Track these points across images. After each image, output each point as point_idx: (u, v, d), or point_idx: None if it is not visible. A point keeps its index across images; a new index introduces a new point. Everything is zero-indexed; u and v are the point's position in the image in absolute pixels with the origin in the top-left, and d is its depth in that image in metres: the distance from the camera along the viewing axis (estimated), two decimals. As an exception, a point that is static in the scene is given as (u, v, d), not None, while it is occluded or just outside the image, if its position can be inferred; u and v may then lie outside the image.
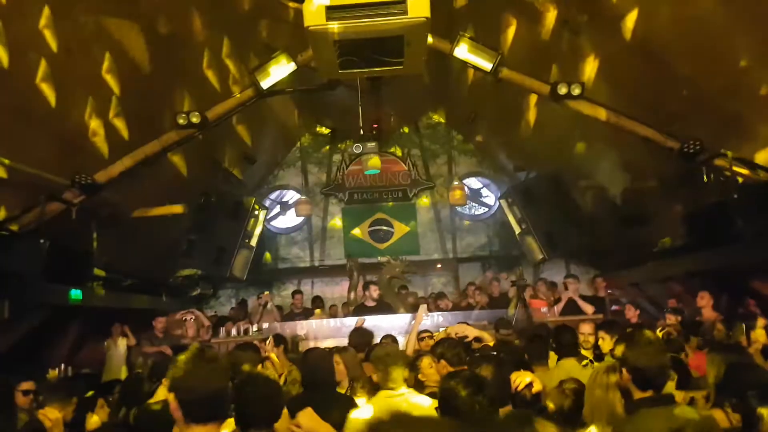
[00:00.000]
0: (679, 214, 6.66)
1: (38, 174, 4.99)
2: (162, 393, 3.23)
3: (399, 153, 11.28)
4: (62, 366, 6.41)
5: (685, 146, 5.38)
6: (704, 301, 5.94)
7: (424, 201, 11.29)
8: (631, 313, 6.89)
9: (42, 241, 4.97)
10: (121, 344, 7.27)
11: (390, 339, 4.62)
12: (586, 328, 4.52)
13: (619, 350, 2.31)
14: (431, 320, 6.91)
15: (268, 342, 4.76)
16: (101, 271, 7.05)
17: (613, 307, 8.21)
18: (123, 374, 6.75)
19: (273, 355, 4.29)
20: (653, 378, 2.20)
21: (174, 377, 1.77)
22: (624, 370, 2.25)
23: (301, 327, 7.30)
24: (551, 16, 6.03)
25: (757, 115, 4.97)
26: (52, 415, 3.00)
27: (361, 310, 7.12)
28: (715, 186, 5.40)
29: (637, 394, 2.21)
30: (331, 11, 3.57)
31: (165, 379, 2.91)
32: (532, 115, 7.84)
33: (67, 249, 5.33)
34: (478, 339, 4.12)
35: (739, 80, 4.78)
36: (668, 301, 7.09)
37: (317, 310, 8.31)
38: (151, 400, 3.16)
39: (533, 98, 7.40)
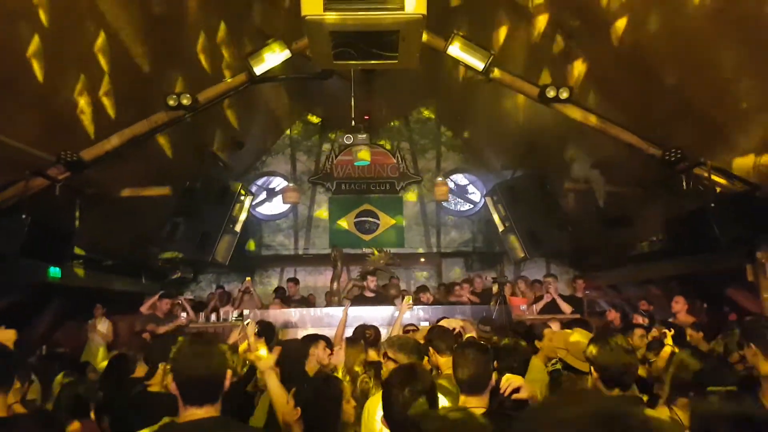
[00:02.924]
0: (659, 219, 6.82)
1: (23, 149, 4.92)
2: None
3: (388, 146, 11.33)
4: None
5: (667, 154, 5.51)
6: (679, 305, 6.09)
7: (411, 195, 11.36)
8: (613, 316, 7.04)
9: (24, 217, 4.91)
10: (102, 326, 7.22)
11: (373, 330, 4.67)
12: (554, 327, 4.63)
13: (590, 350, 2.40)
14: (412, 314, 7.00)
15: (249, 327, 4.74)
16: (82, 251, 6.99)
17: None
18: (101, 356, 6.71)
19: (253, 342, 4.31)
20: (617, 377, 2.28)
21: (173, 359, 1.80)
22: (592, 369, 2.34)
23: (284, 315, 7.32)
24: (543, 19, 6.09)
25: (738, 125, 5.11)
26: None
27: (360, 300, 7.14)
28: (694, 193, 5.54)
29: (604, 393, 2.28)
30: (329, 2, 3.58)
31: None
32: (520, 115, 7.92)
33: (48, 226, 5.26)
34: (463, 329, 4.22)
35: (722, 91, 4.90)
36: (639, 303, 7.27)
37: (277, 300, 8.25)
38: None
39: (522, 98, 7.48)
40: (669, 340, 3.95)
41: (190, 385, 1.76)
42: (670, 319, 5.91)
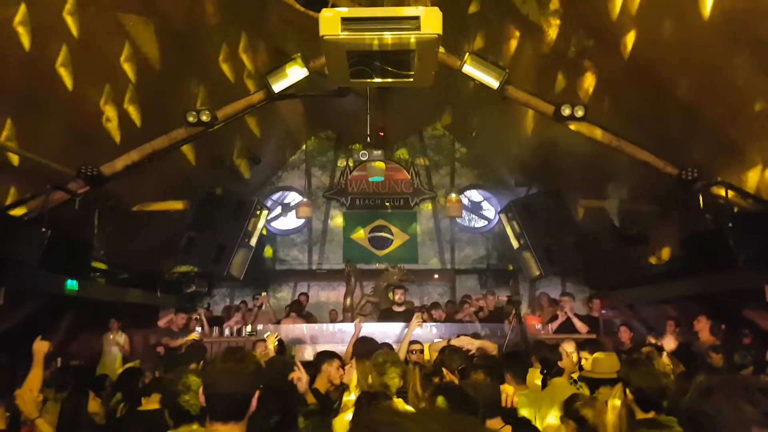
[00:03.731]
0: (676, 237, 6.72)
1: (44, 163, 5.04)
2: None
3: (403, 162, 11.37)
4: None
5: (683, 173, 5.45)
6: (701, 324, 5.96)
7: (425, 210, 11.35)
8: (625, 336, 6.91)
9: (44, 230, 5.00)
10: (119, 337, 7.27)
11: (386, 348, 4.63)
12: (568, 347, 4.52)
13: (623, 371, 2.38)
14: (425, 331, 6.94)
15: (270, 341, 4.76)
16: (99, 263, 7.09)
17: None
18: (116, 368, 6.75)
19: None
20: (653, 399, 2.24)
21: (205, 372, 1.86)
22: (627, 391, 2.32)
23: (296, 330, 7.33)
24: (556, 35, 6.12)
25: (753, 142, 5.04)
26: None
27: (388, 315, 7.09)
28: (710, 212, 5.47)
29: (639, 415, 2.25)
30: (346, 22, 3.64)
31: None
32: (534, 131, 7.91)
33: (67, 239, 5.36)
34: (480, 349, 4.18)
35: (736, 107, 4.86)
36: (668, 322, 7.12)
37: (292, 314, 8.23)
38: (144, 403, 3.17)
39: (537, 115, 7.48)
40: (663, 360, 3.84)
41: (216, 401, 1.77)
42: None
